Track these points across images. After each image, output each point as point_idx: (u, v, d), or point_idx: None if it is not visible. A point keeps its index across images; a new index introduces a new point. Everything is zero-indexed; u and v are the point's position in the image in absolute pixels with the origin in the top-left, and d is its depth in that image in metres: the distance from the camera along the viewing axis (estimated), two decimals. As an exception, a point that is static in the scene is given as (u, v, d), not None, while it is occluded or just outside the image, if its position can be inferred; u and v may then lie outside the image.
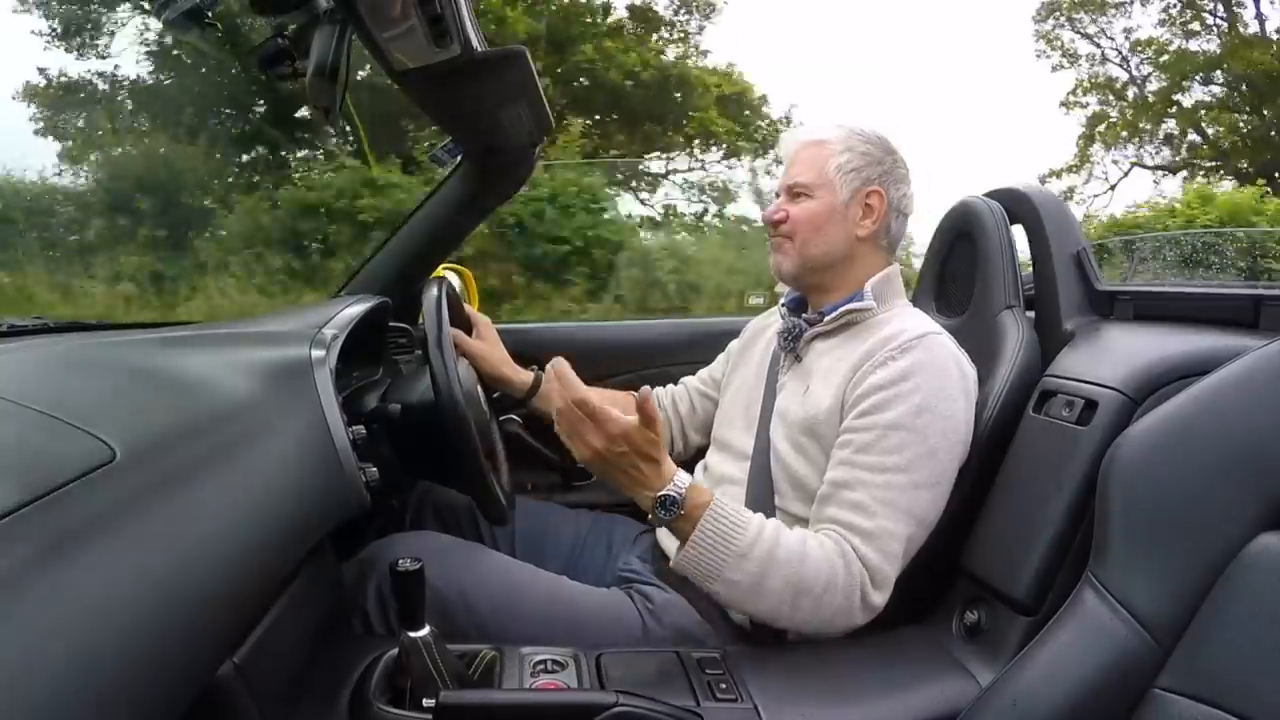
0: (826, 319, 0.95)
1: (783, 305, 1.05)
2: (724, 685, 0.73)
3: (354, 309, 1.00)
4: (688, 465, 1.12)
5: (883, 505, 0.81)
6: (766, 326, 1.10)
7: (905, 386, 0.83)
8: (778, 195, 1.00)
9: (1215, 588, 0.56)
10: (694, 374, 1.21)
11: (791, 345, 0.98)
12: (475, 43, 0.85)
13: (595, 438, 0.77)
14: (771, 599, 0.78)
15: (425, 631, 0.66)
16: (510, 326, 1.40)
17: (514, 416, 1.21)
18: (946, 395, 0.84)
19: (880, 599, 0.80)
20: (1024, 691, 0.62)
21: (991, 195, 1.11)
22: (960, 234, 1.10)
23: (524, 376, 1.12)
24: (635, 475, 0.78)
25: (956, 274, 1.11)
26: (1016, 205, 1.08)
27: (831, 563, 0.79)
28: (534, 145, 1.22)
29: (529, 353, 1.25)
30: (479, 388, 1.06)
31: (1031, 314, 1.05)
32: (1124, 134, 11.70)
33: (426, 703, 0.65)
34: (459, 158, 1.24)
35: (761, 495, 0.92)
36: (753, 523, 0.79)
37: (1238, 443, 0.59)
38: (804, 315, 0.99)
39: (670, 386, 1.21)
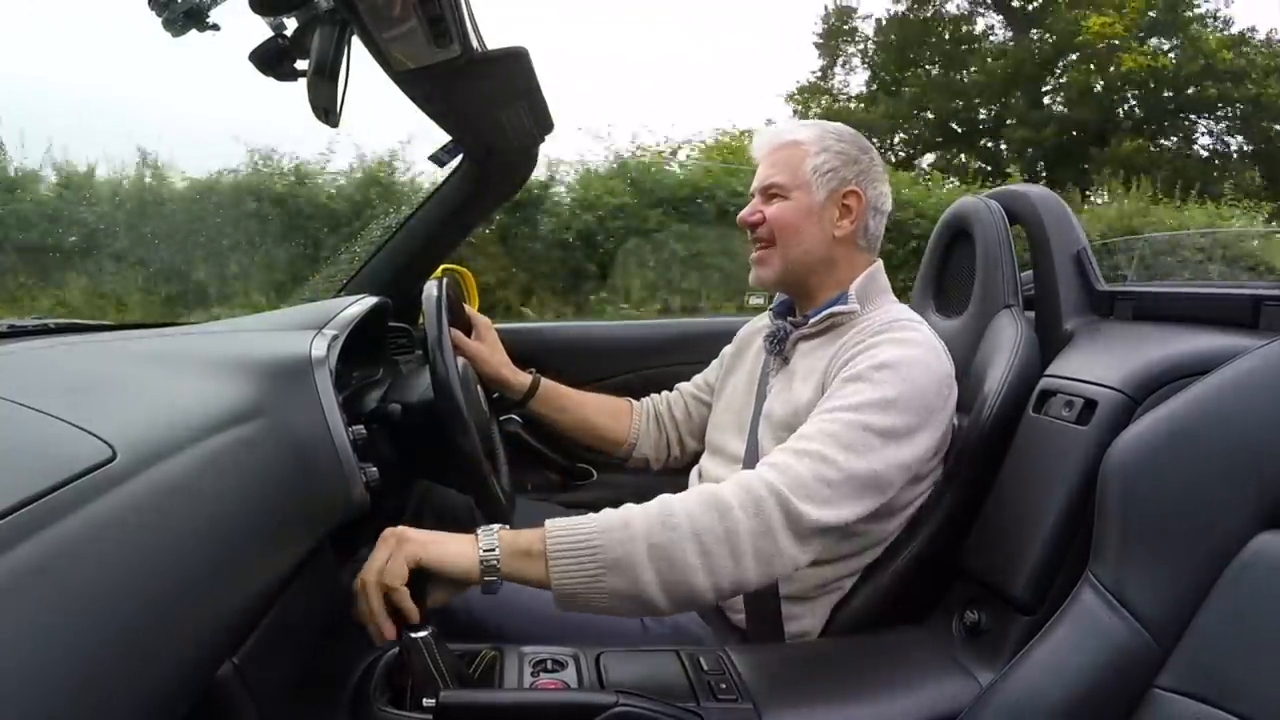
0: (811, 321, 0.95)
1: (771, 310, 1.05)
2: (724, 685, 0.73)
3: (354, 309, 1.00)
4: (683, 471, 1.12)
5: (821, 435, 0.77)
6: (758, 331, 1.10)
7: (872, 348, 0.84)
8: (752, 196, 0.99)
9: (1215, 587, 0.56)
10: (692, 374, 1.21)
11: (778, 348, 0.98)
12: (475, 43, 0.85)
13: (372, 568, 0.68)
14: (674, 561, 0.68)
15: (426, 632, 0.66)
16: (510, 326, 1.40)
17: (514, 416, 1.21)
18: (913, 363, 0.83)
19: (817, 514, 0.72)
20: (1024, 691, 0.62)
21: (991, 195, 1.11)
22: (959, 234, 1.10)
23: (522, 379, 1.12)
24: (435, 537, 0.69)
25: (955, 274, 1.12)
26: (1016, 205, 1.08)
27: (717, 493, 0.72)
28: (534, 145, 1.22)
29: (529, 353, 1.25)
30: (479, 388, 1.06)
31: (1031, 314, 1.05)
32: None
33: (427, 702, 0.65)
34: (459, 158, 1.24)
35: None
36: (592, 512, 0.72)
37: (1237, 442, 0.59)
38: (790, 319, 0.99)
39: (665, 394, 1.21)
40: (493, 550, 0.68)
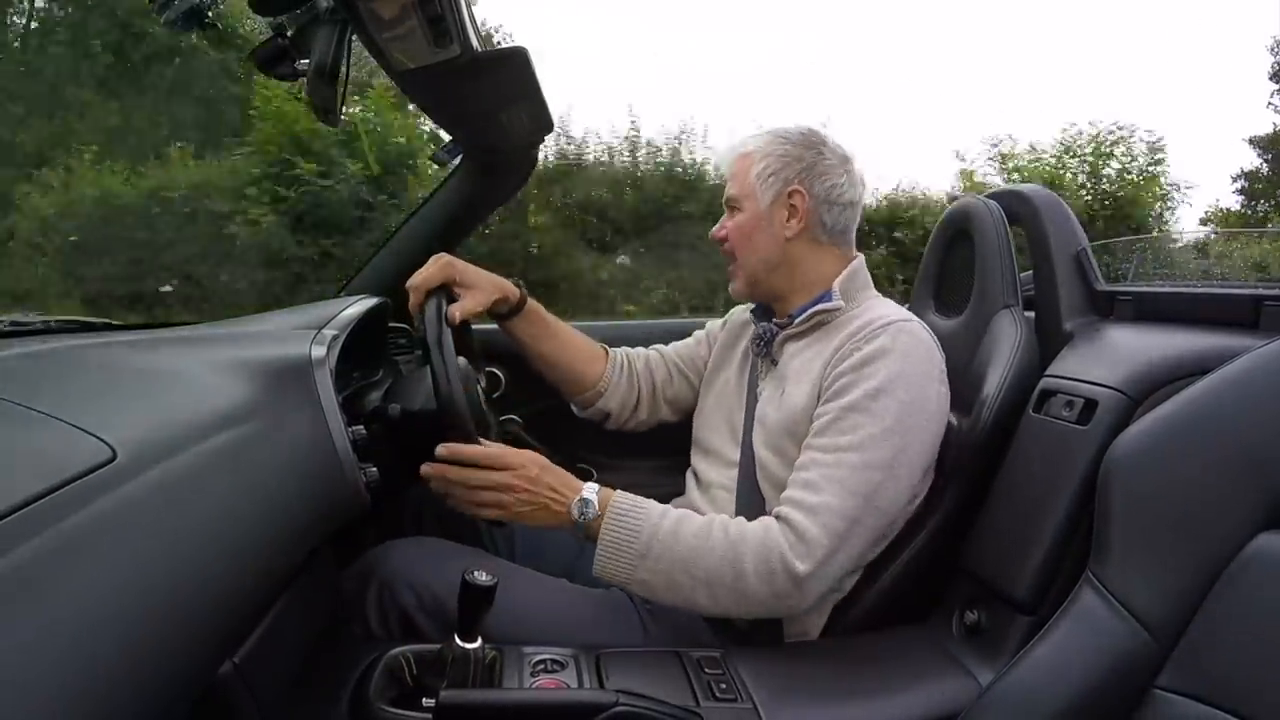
0: (796, 321, 0.94)
1: (750, 313, 1.04)
2: (724, 685, 0.73)
3: (354, 309, 1.00)
4: (642, 432, 1.14)
5: (830, 483, 0.81)
6: (745, 325, 1.08)
7: (866, 370, 0.84)
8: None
9: (1215, 587, 0.56)
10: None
11: (765, 350, 0.98)
12: (475, 43, 0.85)
13: (513, 478, 0.81)
14: (684, 593, 0.80)
15: (477, 645, 0.67)
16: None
17: (514, 417, 1.21)
18: (908, 380, 0.84)
19: (805, 568, 0.78)
20: (1024, 691, 0.62)
21: (991, 195, 1.11)
22: (959, 234, 1.10)
23: (513, 289, 1.04)
24: (555, 495, 0.82)
25: (955, 274, 1.11)
26: (1016, 205, 1.08)
27: (739, 556, 0.79)
28: (534, 145, 1.22)
29: None
30: (479, 389, 1.05)
31: (1031, 314, 1.05)
32: None
33: (426, 702, 0.65)
34: (459, 158, 1.24)
35: (751, 503, 0.91)
36: (647, 522, 0.81)
37: (1237, 442, 0.59)
38: (774, 319, 0.99)
39: (642, 350, 1.16)
40: (580, 530, 0.82)
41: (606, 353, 1.13)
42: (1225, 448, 0.60)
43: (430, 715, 0.60)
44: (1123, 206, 7.54)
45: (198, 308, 5.32)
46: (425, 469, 0.82)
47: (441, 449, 0.81)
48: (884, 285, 1.09)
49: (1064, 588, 0.70)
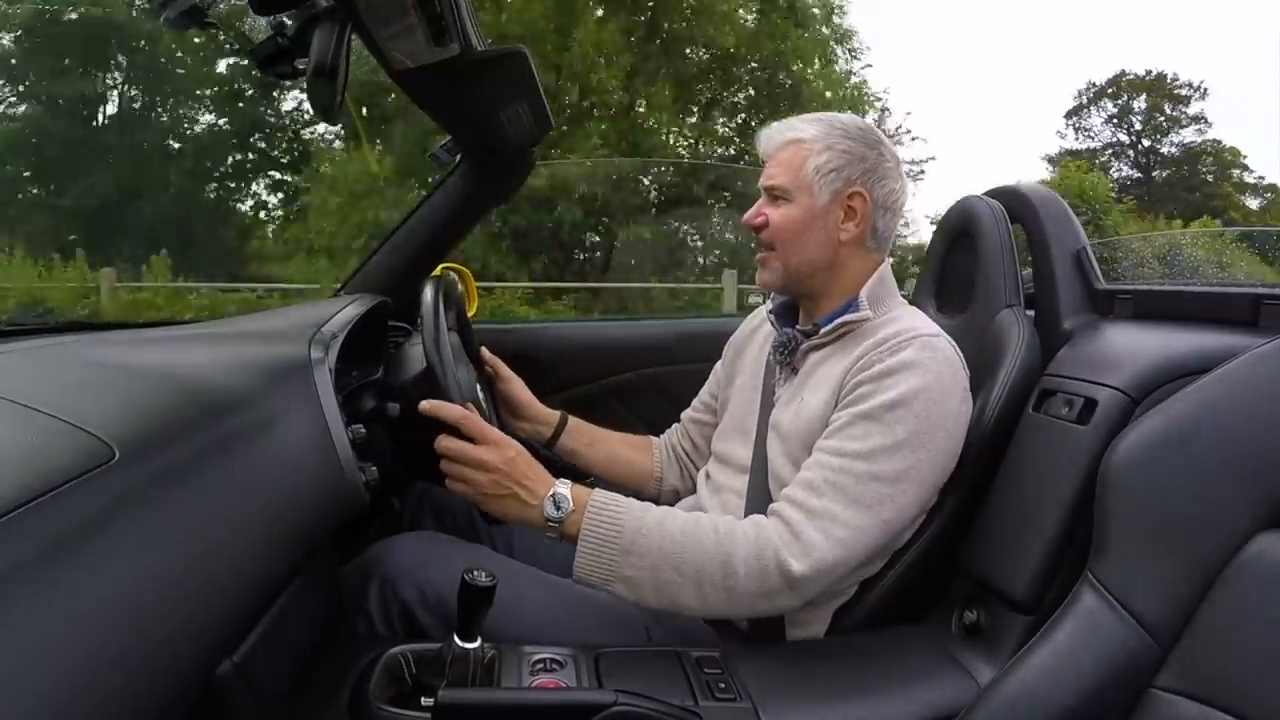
0: (823, 331, 0.91)
1: (770, 314, 1.01)
2: (723, 685, 0.73)
3: (354, 309, 1.00)
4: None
5: (832, 488, 0.79)
6: (752, 332, 1.07)
7: (887, 381, 0.82)
8: (760, 195, 0.95)
9: (1214, 587, 0.56)
10: (692, 374, 1.19)
11: (788, 359, 0.95)
12: (475, 42, 0.85)
13: (488, 453, 0.80)
14: (671, 591, 0.78)
15: (476, 645, 0.67)
16: (509, 326, 1.41)
17: None
18: (929, 396, 0.81)
19: (800, 568, 0.76)
20: (1023, 690, 0.62)
21: (992, 194, 1.11)
22: (960, 233, 1.10)
23: (551, 413, 1.12)
24: (528, 486, 0.80)
25: (957, 273, 1.11)
26: (1016, 204, 1.08)
27: (726, 548, 0.77)
28: (533, 145, 1.22)
29: (527, 352, 1.25)
30: (479, 387, 1.05)
31: (1031, 313, 1.05)
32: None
33: (425, 701, 0.65)
34: (459, 157, 1.24)
35: (761, 508, 0.91)
36: (629, 516, 0.79)
37: (1237, 442, 0.59)
38: (799, 327, 0.95)
39: (675, 425, 1.19)
40: (554, 527, 0.80)
41: (651, 440, 1.18)
42: (1225, 447, 0.60)
43: (429, 714, 0.60)
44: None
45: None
46: (424, 405, 0.82)
47: (425, 404, 0.81)
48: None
49: (1063, 588, 0.70)
